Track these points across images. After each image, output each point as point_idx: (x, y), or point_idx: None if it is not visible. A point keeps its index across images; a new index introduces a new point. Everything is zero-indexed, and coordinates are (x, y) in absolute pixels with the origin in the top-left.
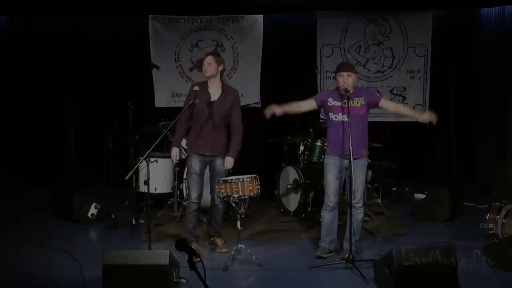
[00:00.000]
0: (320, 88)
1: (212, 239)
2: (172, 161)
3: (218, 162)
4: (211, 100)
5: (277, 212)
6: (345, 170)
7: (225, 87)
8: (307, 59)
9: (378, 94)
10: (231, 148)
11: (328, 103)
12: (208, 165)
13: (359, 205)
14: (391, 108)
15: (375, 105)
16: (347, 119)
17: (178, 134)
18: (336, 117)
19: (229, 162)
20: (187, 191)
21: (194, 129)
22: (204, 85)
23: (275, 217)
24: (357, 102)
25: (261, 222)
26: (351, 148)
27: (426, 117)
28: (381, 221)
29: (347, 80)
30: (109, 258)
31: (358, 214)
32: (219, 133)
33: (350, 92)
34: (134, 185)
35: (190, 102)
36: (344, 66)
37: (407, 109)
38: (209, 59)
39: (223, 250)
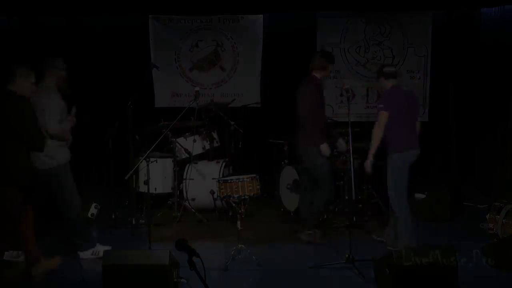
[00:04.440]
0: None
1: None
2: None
3: None
4: None
5: (277, 212)
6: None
7: None
8: (307, 59)
9: (381, 105)
10: None
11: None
12: None
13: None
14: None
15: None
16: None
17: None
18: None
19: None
20: None
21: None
22: None
23: (275, 217)
24: None
25: (261, 222)
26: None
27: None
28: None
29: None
30: (109, 258)
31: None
32: None
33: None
34: (134, 185)
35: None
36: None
37: (376, 141)
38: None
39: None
